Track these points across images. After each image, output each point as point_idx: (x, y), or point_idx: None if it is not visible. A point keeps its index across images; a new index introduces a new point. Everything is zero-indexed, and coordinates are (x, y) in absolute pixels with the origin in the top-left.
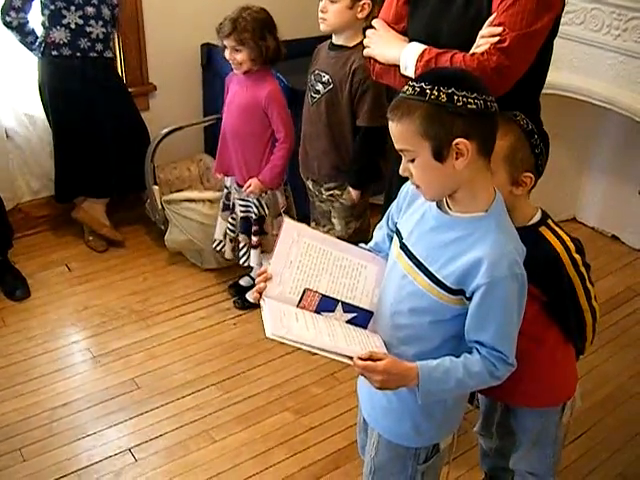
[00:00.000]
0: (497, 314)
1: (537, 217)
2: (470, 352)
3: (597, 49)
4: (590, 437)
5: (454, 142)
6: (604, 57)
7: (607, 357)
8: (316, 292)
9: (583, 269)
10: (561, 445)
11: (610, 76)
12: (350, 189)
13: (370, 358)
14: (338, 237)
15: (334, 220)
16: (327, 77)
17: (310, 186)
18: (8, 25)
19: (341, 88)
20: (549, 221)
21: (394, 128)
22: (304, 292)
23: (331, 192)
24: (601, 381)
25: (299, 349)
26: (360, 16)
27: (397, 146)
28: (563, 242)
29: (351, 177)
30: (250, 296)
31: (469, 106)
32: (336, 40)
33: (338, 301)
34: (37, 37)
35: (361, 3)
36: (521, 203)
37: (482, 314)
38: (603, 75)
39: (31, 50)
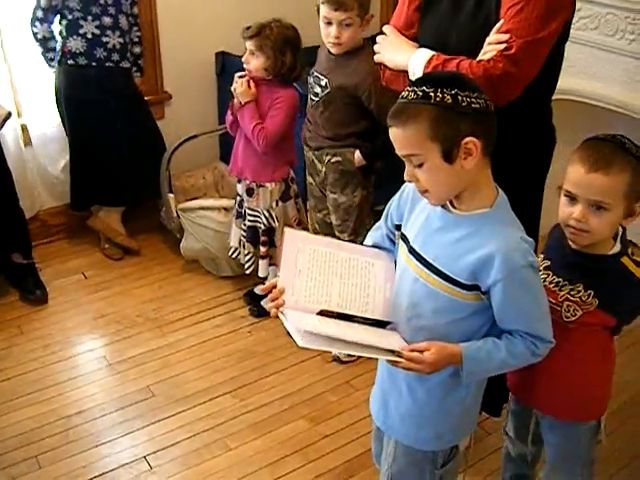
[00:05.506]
0: (524, 302)
1: (617, 247)
2: (510, 333)
3: (611, 54)
4: (603, 447)
5: (463, 141)
6: (618, 62)
7: (623, 365)
8: (331, 312)
9: None
10: (591, 468)
11: (625, 81)
12: (357, 153)
13: (413, 350)
14: (346, 208)
15: (335, 196)
16: (325, 81)
17: (314, 159)
18: (34, 36)
19: (340, 93)
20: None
21: (399, 134)
22: (320, 313)
23: (330, 158)
24: (616, 389)
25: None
26: (363, 30)
27: (402, 152)
28: None
29: (368, 150)
30: (266, 304)
31: (473, 105)
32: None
33: (354, 317)
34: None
35: (366, 18)
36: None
37: (509, 306)
38: (617, 80)
39: (48, 65)
